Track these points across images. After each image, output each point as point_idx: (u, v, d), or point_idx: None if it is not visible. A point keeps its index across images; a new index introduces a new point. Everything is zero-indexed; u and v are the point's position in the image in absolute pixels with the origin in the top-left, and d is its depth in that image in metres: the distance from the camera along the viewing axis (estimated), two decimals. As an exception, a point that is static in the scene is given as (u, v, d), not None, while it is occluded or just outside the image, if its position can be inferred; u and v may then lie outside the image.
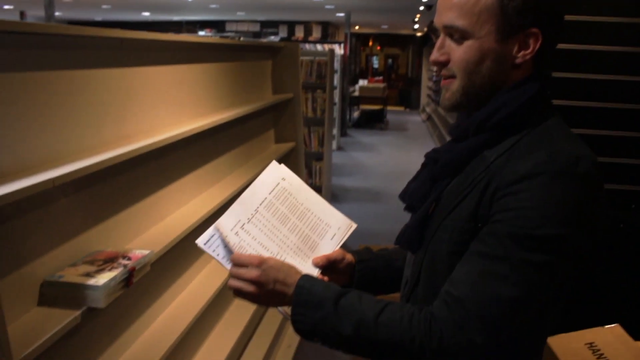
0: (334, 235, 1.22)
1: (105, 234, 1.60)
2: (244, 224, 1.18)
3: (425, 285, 1.09)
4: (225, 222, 1.17)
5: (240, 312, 2.53)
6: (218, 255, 1.15)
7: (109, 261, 1.44)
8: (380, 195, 6.83)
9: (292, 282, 1.08)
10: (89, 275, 1.34)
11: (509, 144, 1.03)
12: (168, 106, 1.99)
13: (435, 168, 1.12)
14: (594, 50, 2.61)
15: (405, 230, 1.13)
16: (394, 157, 9.79)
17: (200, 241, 1.16)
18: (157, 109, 1.90)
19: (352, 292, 1.05)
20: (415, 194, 1.14)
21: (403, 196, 1.17)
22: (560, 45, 2.57)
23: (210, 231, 1.16)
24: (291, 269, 1.11)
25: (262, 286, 1.10)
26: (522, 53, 1.03)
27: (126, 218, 1.71)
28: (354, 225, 1.26)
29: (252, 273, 1.10)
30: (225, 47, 2.71)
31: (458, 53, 1.05)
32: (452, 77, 1.07)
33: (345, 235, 1.23)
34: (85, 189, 1.51)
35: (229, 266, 1.13)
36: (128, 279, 1.40)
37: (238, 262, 1.12)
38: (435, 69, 1.12)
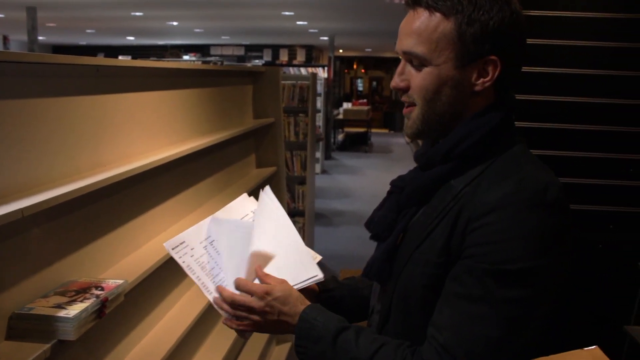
0: None
1: (80, 263, 1.58)
2: (213, 241, 1.21)
3: (398, 319, 1.08)
4: (196, 233, 1.21)
5: (220, 341, 2.49)
6: (184, 262, 1.17)
7: (81, 292, 1.41)
8: (365, 218, 6.81)
9: (296, 313, 1.09)
10: (59, 306, 1.32)
11: (476, 172, 1.02)
12: (145, 133, 1.98)
13: (401, 196, 1.11)
14: (560, 72, 2.65)
15: (373, 262, 1.12)
16: (379, 180, 9.81)
17: (168, 245, 1.18)
18: (133, 136, 1.90)
19: (351, 328, 1.05)
20: (381, 223, 1.13)
21: (369, 225, 1.16)
22: (525, 68, 2.63)
23: (179, 238, 1.19)
24: (297, 299, 1.11)
25: (265, 316, 1.10)
26: (481, 80, 1.03)
27: (101, 247, 1.68)
28: (319, 257, 1.25)
29: (256, 303, 1.10)
30: (204, 72, 2.71)
31: (417, 80, 1.05)
32: (413, 104, 1.07)
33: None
34: (58, 217, 1.49)
35: (192, 275, 1.16)
36: (100, 310, 1.38)
37: (244, 289, 1.12)
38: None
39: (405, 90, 1.08)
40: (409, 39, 1.04)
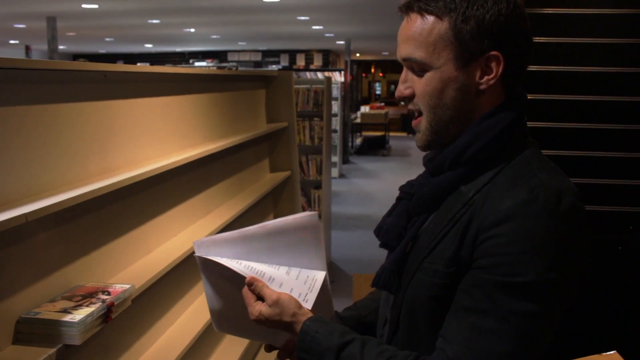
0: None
1: (88, 268, 1.58)
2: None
3: (406, 330, 1.05)
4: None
5: (231, 350, 2.47)
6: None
7: (88, 296, 1.41)
8: (382, 222, 6.79)
9: (298, 321, 1.04)
10: (65, 311, 1.32)
11: (487, 178, 0.99)
12: (155, 138, 1.99)
13: (410, 203, 1.09)
14: (576, 71, 2.60)
15: (383, 273, 1.08)
16: (397, 183, 9.66)
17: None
18: (143, 141, 1.90)
19: (355, 341, 1.00)
20: (390, 231, 1.10)
21: (378, 232, 1.13)
22: (541, 68, 2.59)
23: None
24: (300, 311, 1.05)
25: (268, 322, 1.06)
26: (485, 78, 1.00)
27: (110, 252, 1.69)
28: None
29: (265, 309, 1.06)
30: (215, 77, 2.71)
31: (420, 86, 1.03)
32: (420, 113, 1.05)
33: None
34: (66, 222, 1.49)
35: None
36: (106, 315, 1.38)
37: (258, 292, 1.07)
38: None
39: (411, 97, 1.05)
40: (407, 45, 1.03)
